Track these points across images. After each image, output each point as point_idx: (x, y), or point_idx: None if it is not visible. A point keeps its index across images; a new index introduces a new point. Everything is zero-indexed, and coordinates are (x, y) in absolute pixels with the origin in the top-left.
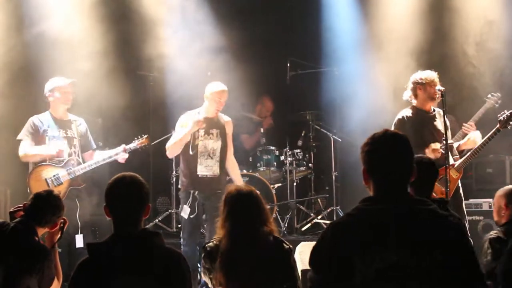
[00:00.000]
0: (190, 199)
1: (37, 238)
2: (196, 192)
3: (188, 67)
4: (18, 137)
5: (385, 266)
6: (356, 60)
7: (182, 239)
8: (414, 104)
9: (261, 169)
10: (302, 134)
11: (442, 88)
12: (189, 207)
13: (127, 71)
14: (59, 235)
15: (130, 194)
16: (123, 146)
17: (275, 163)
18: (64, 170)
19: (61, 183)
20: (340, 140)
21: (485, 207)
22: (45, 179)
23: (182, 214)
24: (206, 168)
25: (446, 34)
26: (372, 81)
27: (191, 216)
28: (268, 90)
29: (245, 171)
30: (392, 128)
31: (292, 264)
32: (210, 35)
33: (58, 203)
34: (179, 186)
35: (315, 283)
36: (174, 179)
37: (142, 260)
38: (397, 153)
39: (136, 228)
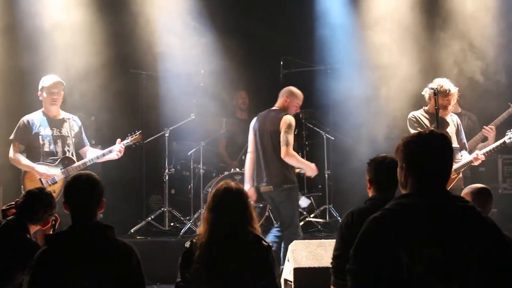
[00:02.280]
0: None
1: (29, 236)
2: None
3: (181, 65)
4: (11, 137)
5: (434, 263)
6: (349, 59)
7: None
8: (426, 108)
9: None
10: (295, 133)
11: (435, 87)
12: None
13: (120, 69)
14: (50, 232)
15: (85, 190)
16: (118, 140)
17: None
18: (58, 169)
19: (56, 182)
20: (333, 138)
21: None
22: (40, 179)
23: (303, 204)
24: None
25: (443, 28)
26: (365, 79)
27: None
28: (261, 89)
29: (237, 170)
30: (408, 127)
31: (271, 261)
32: (204, 34)
33: (50, 200)
34: (284, 186)
35: (359, 278)
36: (167, 178)
37: (94, 251)
38: (440, 152)
39: (90, 221)
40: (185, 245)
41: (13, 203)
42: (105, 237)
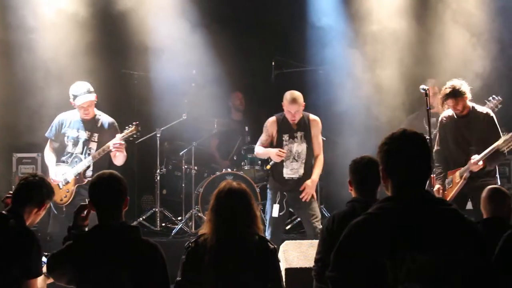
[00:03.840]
0: (279, 197)
1: (24, 224)
2: (284, 192)
3: (172, 65)
4: (46, 134)
5: (416, 267)
6: (341, 59)
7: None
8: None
9: (246, 167)
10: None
11: (427, 88)
12: (278, 204)
13: (112, 69)
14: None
15: (110, 188)
16: (117, 136)
17: (259, 162)
18: (70, 168)
19: (68, 182)
20: (324, 139)
21: (469, 206)
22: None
23: (273, 213)
24: (291, 171)
25: (435, 30)
26: (358, 79)
27: (281, 214)
28: (253, 89)
29: (229, 170)
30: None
31: (277, 264)
32: (195, 33)
33: (41, 186)
34: (267, 186)
35: (341, 284)
36: (159, 178)
37: (118, 251)
38: (414, 152)
39: (116, 220)
40: (190, 244)
41: (11, 192)
42: (130, 237)
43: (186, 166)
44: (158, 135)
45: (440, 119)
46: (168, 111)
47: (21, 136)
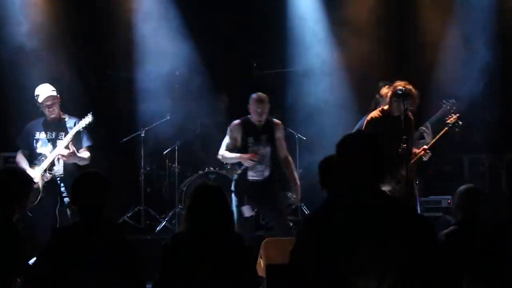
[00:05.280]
0: (246, 200)
1: (12, 221)
2: (249, 195)
3: (156, 66)
4: (16, 143)
5: (365, 260)
6: (322, 61)
7: None
8: (385, 108)
9: (229, 166)
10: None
11: (404, 89)
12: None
13: (96, 70)
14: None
15: (91, 187)
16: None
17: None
18: (37, 168)
19: (35, 183)
20: (304, 138)
21: (444, 204)
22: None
23: (246, 214)
24: (256, 173)
25: (413, 30)
26: (337, 81)
27: (253, 214)
28: (234, 90)
29: (211, 169)
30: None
31: (251, 262)
32: (178, 36)
33: (19, 181)
34: (232, 188)
35: (299, 279)
36: (143, 176)
37: (97, 247)
38: (356, 152)
39: (97, 217)
40: (167, 241)
41: None
42: (108, 234)
43: (169, 165)
44: (142, 135)
45: (369, 117)
46: (152, 111)
47: (8, 135)
